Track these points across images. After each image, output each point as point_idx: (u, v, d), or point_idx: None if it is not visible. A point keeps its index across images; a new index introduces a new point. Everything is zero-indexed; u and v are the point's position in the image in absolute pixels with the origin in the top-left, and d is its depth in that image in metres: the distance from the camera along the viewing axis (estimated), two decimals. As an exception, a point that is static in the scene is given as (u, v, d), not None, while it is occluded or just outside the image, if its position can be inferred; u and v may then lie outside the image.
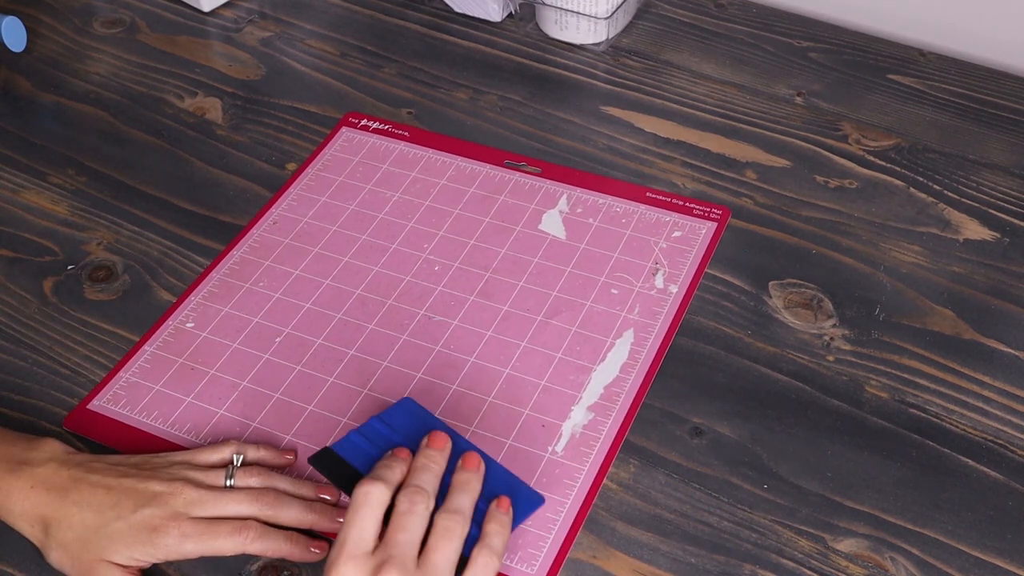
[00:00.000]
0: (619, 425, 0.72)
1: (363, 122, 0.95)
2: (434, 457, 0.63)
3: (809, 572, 0.65)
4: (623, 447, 0.71)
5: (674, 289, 0.80)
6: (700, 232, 0.84)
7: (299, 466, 0.70)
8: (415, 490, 0.60)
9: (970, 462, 0.70)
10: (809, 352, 0.76)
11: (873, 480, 0.69)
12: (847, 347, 0.76)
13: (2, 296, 0.82)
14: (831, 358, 0.76)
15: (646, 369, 0.75)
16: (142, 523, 0.62)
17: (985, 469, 0.70)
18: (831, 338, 0.77)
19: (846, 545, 0.66)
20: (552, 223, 0.85)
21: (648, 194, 0.87)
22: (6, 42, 0.98)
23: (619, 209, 0.86)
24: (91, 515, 0.63)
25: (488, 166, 0.90)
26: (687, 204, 0.86)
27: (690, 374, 0.75)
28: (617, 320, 0.78)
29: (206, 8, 1.08)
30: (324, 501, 0.67)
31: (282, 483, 0.67)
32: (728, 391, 0.74)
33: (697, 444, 0.71)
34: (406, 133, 0.94)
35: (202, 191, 0.90)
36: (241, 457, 0.67)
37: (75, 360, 0.78)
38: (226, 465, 0.67)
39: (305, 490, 0.67)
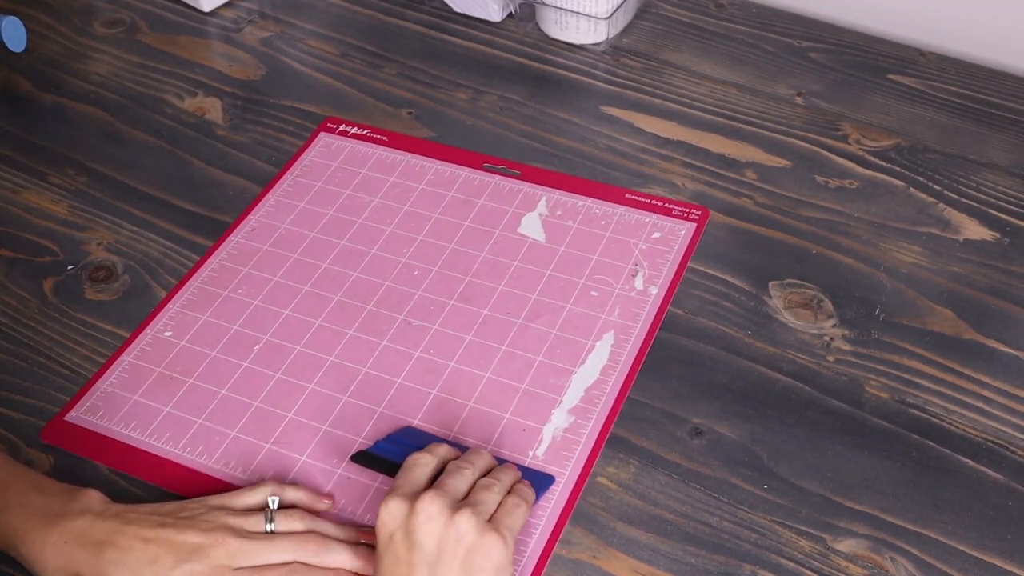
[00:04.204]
0: (600, 428, 0.71)
1: (342, 127, 0.94)
2: (480, 454, 0.67)
3: (809, 572, 0.65)
4: (623, 448, 0.71)
5: (654, 290, 0.79)
6: (680, 233, 0.83)
7: (330, 513, 0.68)
8: (463, 461, 0.65)
9: (970, 462, 0.70)
10: (809, 352, 0.76)
11: (873, 480, 0.69)
12: (847, 347, 0.76)
13: (2, 296, 0.82)
14: (831, 358, 0.76)
15: (626, 371, 0.74)
16: None
17: (985, 469, 0.70)
18: (831, 338, 0.77)
19: (846, 545, 0.66)
20: (531, 226, 0.84)
21: (627, 195, 0.86)
22: (6, 42, 0.98)
23: (599, 211, 0.85)
24: (130, 573, 0.61)
25: (467, 170, 0.89)
26: (666, 205, 0.85)
27: (690, 374, 0.75)
28: (597, 322, 0.77)
29: (206, 8, 1.08)
30: (368, 545, 0.65)
31: (325, 525, 0.65)
32: (728, 391, 0.74)
33: (697, 444, 0.71)
34: (385, 138, 0.93)
35: (202, 191, 0.90)
36: (277, 499, 0.66)
37: (75, 360, 0.78)
38: (263, 508, 0.66)
39: (348, 533, 0.66)
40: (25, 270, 0.84)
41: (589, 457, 0.70)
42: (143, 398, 0.74)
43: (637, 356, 0.75)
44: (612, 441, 0.72)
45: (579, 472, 0.69)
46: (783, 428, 0.72)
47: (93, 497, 0.65)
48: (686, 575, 0.65)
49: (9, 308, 0.81)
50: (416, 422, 0.72)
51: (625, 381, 0.74)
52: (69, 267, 0.84)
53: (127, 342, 0.78)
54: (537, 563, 0.65)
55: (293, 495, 0.67)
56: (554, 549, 0.66)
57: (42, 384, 0.76)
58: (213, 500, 0.66)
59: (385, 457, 0.69)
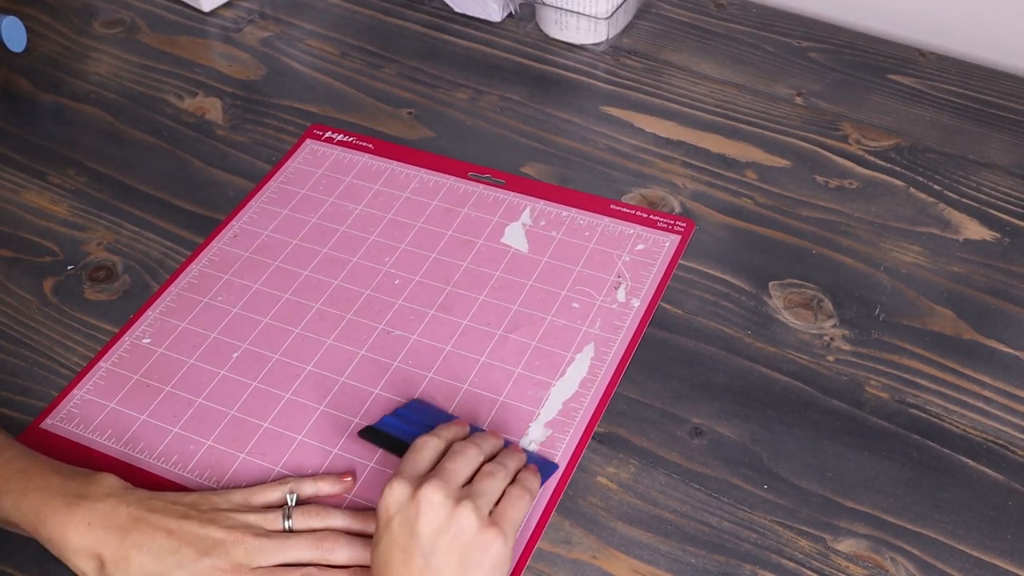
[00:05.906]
0: (576, 443, 0.70)
1: (327, 134, 0.94)
2: (487, 437, 0.67)
3: (809, 572, 0.65)
4: (623, 448, 0.71)
5: (636, 303, 0.79)
6: (664, 245, 0.83)
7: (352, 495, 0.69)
8: (469, 443, 0.65)
9: (970, 462, 0.70)
10: (809, 352, 0.76)
11: (873, 480, 0.69)
12: (847, 347, 0.76)
13: (2, 296, 0.82)
14: (831, 358, 0.76)
15: (605, 384, 0.74)
16: (203, 574, 0.62)
17: (985, 469, 0.70)
18: (831, 338, 0.77)
19: (846, 545, 0.66)
20: (515, 236, 0.84)
21: (612, 206, 0.86)
22: (6, 42, 0.98)
23: (583, 222, 0.85)
24: (151, 560, 0.62)
25: (452, 178, 0.89)
26: (651, 216, 0.85)
27: (690, 374, 0.75)
28: (578, 334, 0.76)
29: (206, 8, 1.08)
30: None
31: (340, 520, 0.66)
32: (728, 391, 0.74)
33: (697, 444, 0.71)
34: (370, 145, 0.92)
35: (202, 191, 0.90)
36: (295, 496, 0.66)
37: (75, 360, 0.78)
38: (282, 504, 0.66)
39: (364, 522, 0.66)
40: (25, 270, 0.84)
41: (564, 473, 0.69)
42: (119, 406, 0.74)
43: (617, 368, 0.74)
44: (612, 441, 0.72)
45: (552, 489, 0.68)
46: (783, 428, 0.72)
47: (112, 481, 0.65)
48: (686, 575, 0.65)
49: (9, 308, 0.81)
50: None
51: (604, 395, 0.73)
52: (69, 267, 0.84)
53: (105, 348, 0.77)
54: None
55: (311, 489, 0.68)
56: (524, 568, 0.66)
57: (42, 384, 0.76)
58: (235, 496, 0.66)
59: (392, 434, 0.69)
